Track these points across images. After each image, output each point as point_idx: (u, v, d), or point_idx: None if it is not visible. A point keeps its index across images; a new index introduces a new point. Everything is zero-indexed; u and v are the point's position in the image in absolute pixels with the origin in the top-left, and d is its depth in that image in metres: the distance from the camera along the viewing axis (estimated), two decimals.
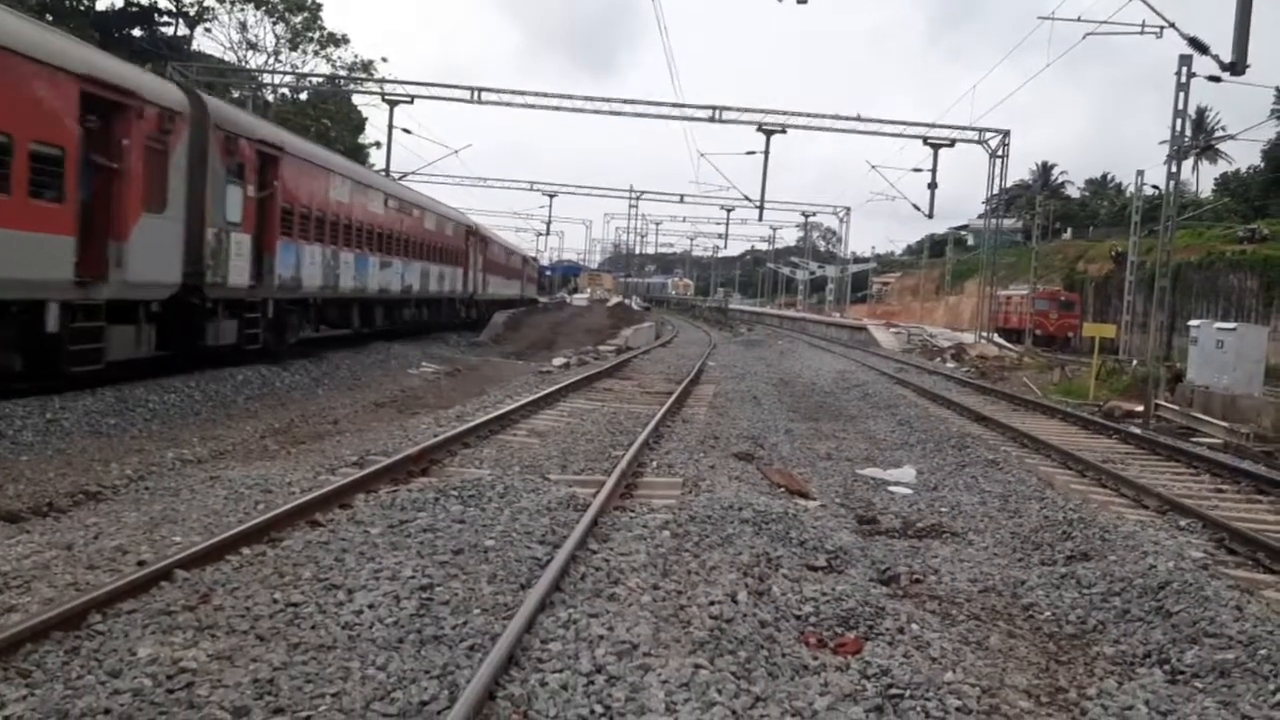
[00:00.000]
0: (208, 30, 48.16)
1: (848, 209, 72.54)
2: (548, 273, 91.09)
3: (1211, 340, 22.20)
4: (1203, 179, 79.42)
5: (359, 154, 50.45)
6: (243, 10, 48.01)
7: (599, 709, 4.21)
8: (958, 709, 4.64)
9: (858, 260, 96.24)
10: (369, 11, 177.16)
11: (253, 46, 48.86)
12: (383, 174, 35.98)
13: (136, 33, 43.55)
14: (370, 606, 5.23)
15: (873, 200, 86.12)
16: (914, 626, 5.71)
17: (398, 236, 26.16)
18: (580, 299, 67.51)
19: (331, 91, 49.66)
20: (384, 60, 75.46)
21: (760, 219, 56.04)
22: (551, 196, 66.63)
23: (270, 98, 47.74)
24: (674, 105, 38.71)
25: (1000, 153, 39.83)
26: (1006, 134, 39.64)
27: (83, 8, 41.58)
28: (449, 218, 34.15)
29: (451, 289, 33.72)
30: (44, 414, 11.42)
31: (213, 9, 47.61)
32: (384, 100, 38.60)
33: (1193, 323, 24.76)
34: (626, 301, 63.16)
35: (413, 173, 43.36)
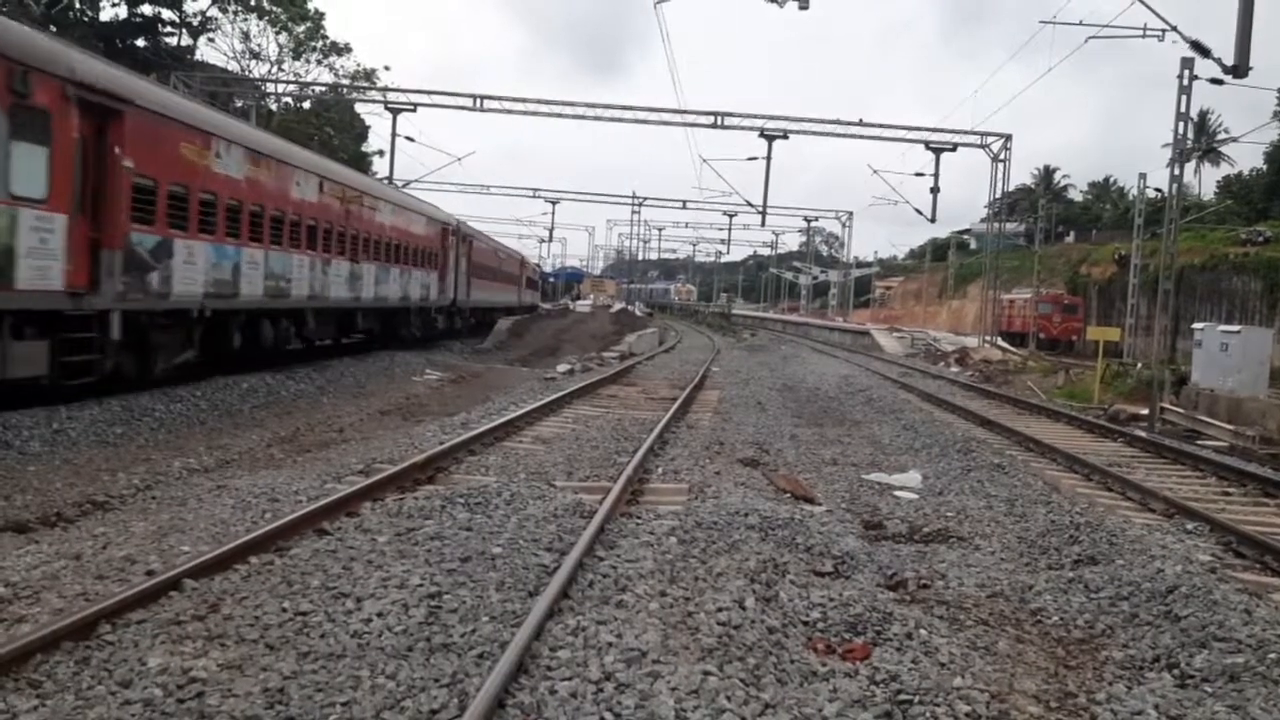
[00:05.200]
0: (211, 40, 48.31)
1: (850, 213, 72.48)
2: (551, 279, 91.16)
3: (1216, 343, 22.20)
4: (1205, 181, 79.42)
5: (362, 162, 50.55)
6: (246, 20, 48.20)
7: (609, 716, 4.22)
8: (967, 714, 4.63)
9: (860, 265, 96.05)
10: (371, 13, 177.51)
11: (256, 56, 49.03)
12: (385, 182, 35.92)
13: (140, 43, 43.72)
14: (379, 615, 5.24)
15: (875, 205, 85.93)
16: (922, 632, 5.70)
17: (338, 231, 21.42)
18: (584, 305, 67.58)
19: (334, 100, 49.77)
20: (386, 69, 75.81)
21: (763, 224, 56.21)
22: (554, 203, 66.95)
23: (274, 107, 47.89)
24: (676, 111, 38.77)
25: (1002, 156, 39.85)
26: (1008, 138, 39.70)
27: (86, 19, 41.72)
28: (417, 210, 29.20)
29: (423, 296, 29.08)
30: (51, 424, 11.44)
31: (216, 19, 47.83)
32: (386, 108, 38.70)
33: (1197, 325, 24.75)
34: (630, 307, 63.20)
35: (415, 180, 43.44)
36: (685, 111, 38.70)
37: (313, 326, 20.73)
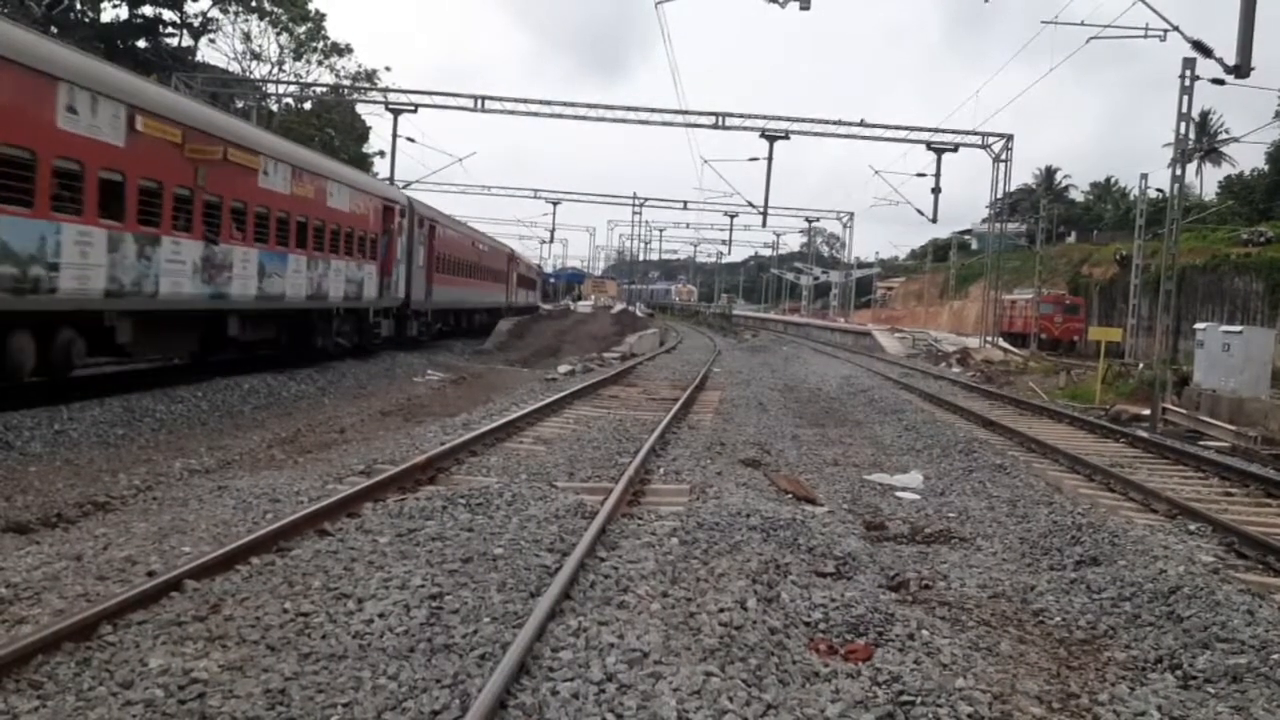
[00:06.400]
0: (212, 41, 48.39)
1: (851, 214, 72.53)
2: (552, 280, 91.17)
3: (1218, 343, 22.17)
4: (1207, 182, 79.31)
5: (363, 163, 50.57)
6: (247, 21, 48.24)
7: (611, 717, 4.21)
8: (969, 715, 4.62)
9: (861, 265, 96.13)
10: (373, 14, 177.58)
11: (256, 57, 49.07)
12: (387, 182, 35.86)
13: (141, 44, 43.78)
14: (380, 615, 5.23)
15: (876, 205, 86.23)
16: (924, 632, 5.69)
17: (178, 194, 14.58)
18: (585, 306, 67.55)
19: (335, 101, 49.79)
20: (387, 69, 75.95)
21: (764, 225, 56.01)
22: (555, 204, 66.97)
23: (274, 108, 47.91)
24: (677, 112, 38.75)
25: (1003, 157, 39.86)
26: (1010, 138, 39.74)
27: (87, 20, 41.75)
28: (339, 179, 21.81)
29: (353, 294, 22.43)
30: (52, 425, 11.45)
31: (217, 20, 47.88)
32: (388, 109, 38.71)
33: (1199, 326, 24.72)
34: (631, 308, 63.19)
35: (416, 181, 43.45)
36: (686, 112, 38.72)
37: (129, 338, 14.04)
